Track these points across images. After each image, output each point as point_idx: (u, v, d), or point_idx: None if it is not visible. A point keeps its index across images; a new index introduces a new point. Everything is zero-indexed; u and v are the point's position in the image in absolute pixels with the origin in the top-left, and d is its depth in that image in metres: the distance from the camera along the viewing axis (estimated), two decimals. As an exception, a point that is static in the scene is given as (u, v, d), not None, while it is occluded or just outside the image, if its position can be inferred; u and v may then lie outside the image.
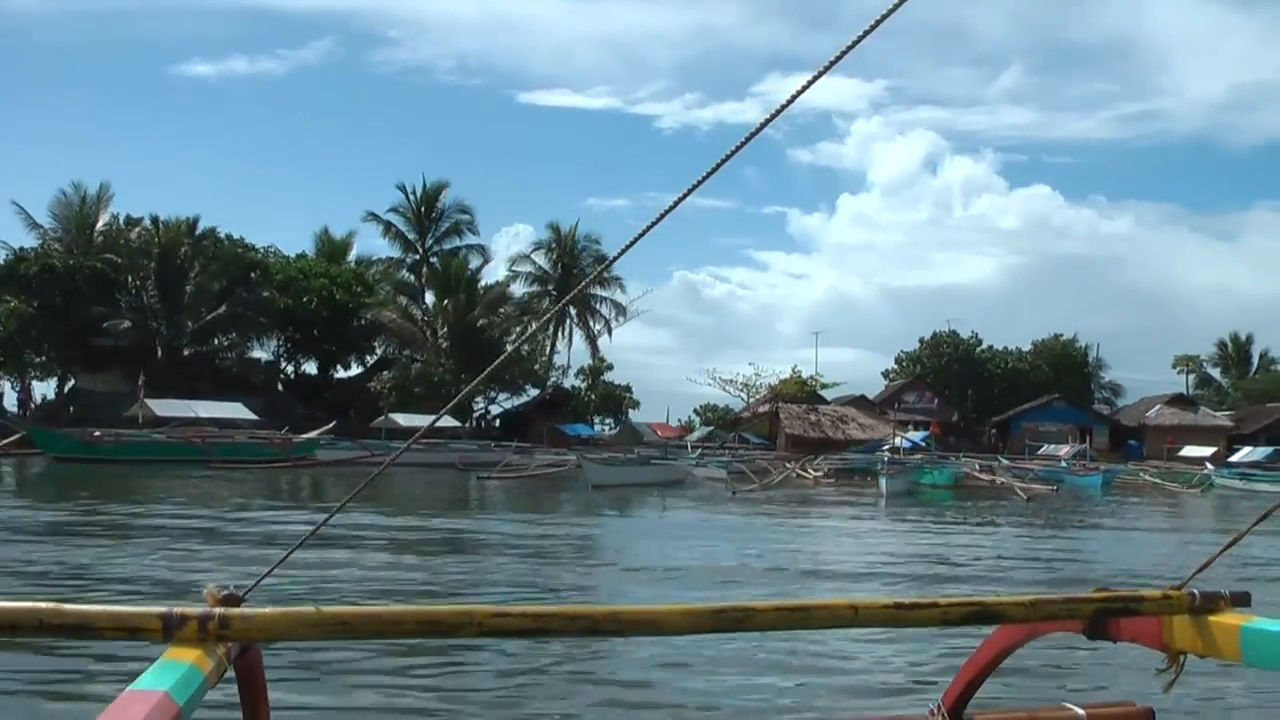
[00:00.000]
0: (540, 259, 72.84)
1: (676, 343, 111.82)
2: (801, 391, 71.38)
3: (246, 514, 23.57)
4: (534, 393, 66.17)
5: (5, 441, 40.31)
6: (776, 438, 67.06)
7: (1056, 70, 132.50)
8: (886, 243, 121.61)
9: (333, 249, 70.12)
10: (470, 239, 72.49)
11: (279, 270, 63.47)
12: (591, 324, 70.81)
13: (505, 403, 65.46)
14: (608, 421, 64.56)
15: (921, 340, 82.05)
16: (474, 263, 69.37)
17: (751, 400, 73.75)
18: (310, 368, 68.57)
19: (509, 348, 62.98)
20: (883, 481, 38.41)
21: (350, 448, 46.73)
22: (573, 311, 70.23)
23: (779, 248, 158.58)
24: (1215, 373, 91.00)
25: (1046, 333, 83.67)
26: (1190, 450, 66.41)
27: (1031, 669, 8.10)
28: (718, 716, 8.01)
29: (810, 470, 48.59)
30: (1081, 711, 2.71)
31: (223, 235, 61.68)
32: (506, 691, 8.40)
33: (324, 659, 8.34)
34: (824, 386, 74.46)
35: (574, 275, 71.04)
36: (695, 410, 74.56)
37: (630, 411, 66.59)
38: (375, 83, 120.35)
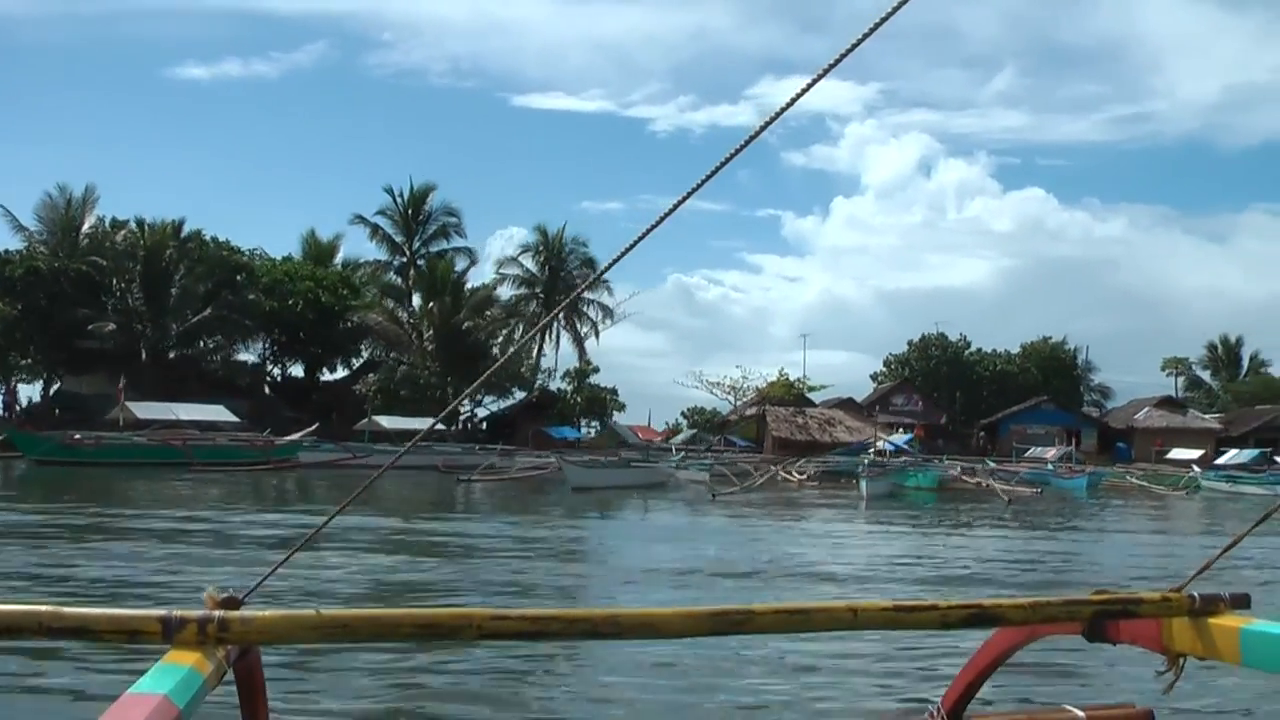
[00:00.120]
0: (528, 261, 72.86)
1: (671, 345, 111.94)
2: (789, 394, 71.35)
3: (217, 517, 23.44)
4: (521, 395, 66.08)
5: (-14, 444, 40.27)
6: (764, 440, 67.02)
7: (1049, 72, 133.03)
8: (880, 246, 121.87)
9: (319, 251, 69.99)
10: (458, 241, 72.58)
11: (265, 273, 63.37)
12: (579, 326, 70.75)
13: (491, 405, 65.41)
14: (594, 424, 64.52)
15: (910, 343, 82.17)
16: (461, 265, 69.43)
17: (739, 403, 73.75)
18: (297, 370, 68.51)
19: (495, 350, 62.97)
20: (863, 484, 38.40)
21: (333, 450, 46.68)
22: (560, 315, 70.07)
23: (773, 251, 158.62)
24: (1205, 375, 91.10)
25: (1041, 335, 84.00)
26: (1178, 453, 66.55)
27: (1030, 670, 8.10)
28: (714, 716, 7.98)
29: (795, 473, 48.53)
30: (1081, 713, 2.70)
31: (208, 237, 61.56)
32: (503, 690, 8.43)
33: (322, 661, 8.37)
34: (811, 389, 74.45)
35: (561, 278, 71.08)
36: (683, 413, 74.54)
37: (616, 414, 66.52)
38: (369, 85, 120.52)
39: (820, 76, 1.92)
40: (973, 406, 78.30)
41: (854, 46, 1.90)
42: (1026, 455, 63.87)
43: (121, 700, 1.51)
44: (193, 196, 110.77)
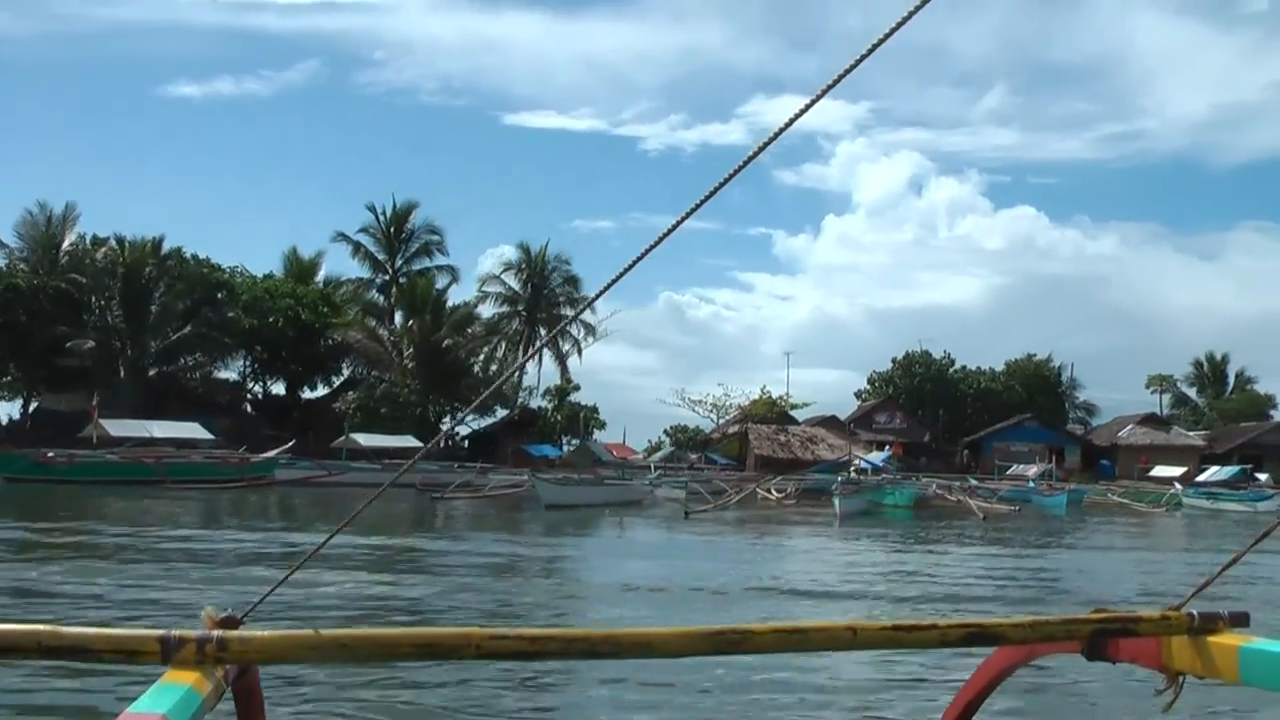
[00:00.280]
0: (510, 279, 72.78)
1: (662, 364, 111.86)
2: (771, 412, 71.29)
3: (181, 535, 23.35)
4: (503, 413, 65.95)
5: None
6: (746, 458, 66.92)
7: (1039, 91, 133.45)
8: (871, 264, 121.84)
9: (300, 269, 69.96)
10: (440, 259, 72.67)
11: (244, 290, 63.35)
12: (561, 344, 70.67)
13: (473, 423, 65.24)
14: (574, 442, 64.35)
15: (894, 360, 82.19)
16: (442, 283, 69.47)
17: (721, 421, 73.69)
18: (279, 388, 68.36)
19: (476, 368, 62.89)
20: (837, 502, 38.29)
21: (309, 467, 46.55)
22: (543, 332, 70.16)
23: (764, 269, 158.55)
24: (1192, 392, 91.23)
25: (1027, 353, 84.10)
26: (1161, 470, 66.54)
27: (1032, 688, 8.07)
28: None
29: (773, 491, 48.42)
30: None
31: (189, 255, 61.60)
32: (498, 700, 8.47)
33: (319, 674, 8.37)
34: (794, 407, 74.40)
35: (544, 296, 71.05)
36: (665, 431, 74.40)
37: (596, 432, 66.43)
38: (360, 104, 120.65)
39: (819, 97, 1.92)
40: (957, 424, 78.29)
41: (852, 67, 1.88)
42: (1008, 473, 63.92)
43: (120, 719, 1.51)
44: (180, 214, 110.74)
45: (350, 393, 61.98)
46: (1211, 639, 2.09)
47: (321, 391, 68.27)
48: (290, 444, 47.98)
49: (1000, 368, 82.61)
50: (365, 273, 71.79)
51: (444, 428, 61.32)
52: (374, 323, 66.59)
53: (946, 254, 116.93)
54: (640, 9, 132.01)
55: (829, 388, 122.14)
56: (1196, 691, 2.21)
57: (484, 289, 72.30)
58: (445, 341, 62.25)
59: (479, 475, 46.90)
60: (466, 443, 67.29)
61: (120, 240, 59.99)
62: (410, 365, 61.60)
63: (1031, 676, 8.10)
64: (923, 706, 8.20)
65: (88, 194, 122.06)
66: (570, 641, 1.87)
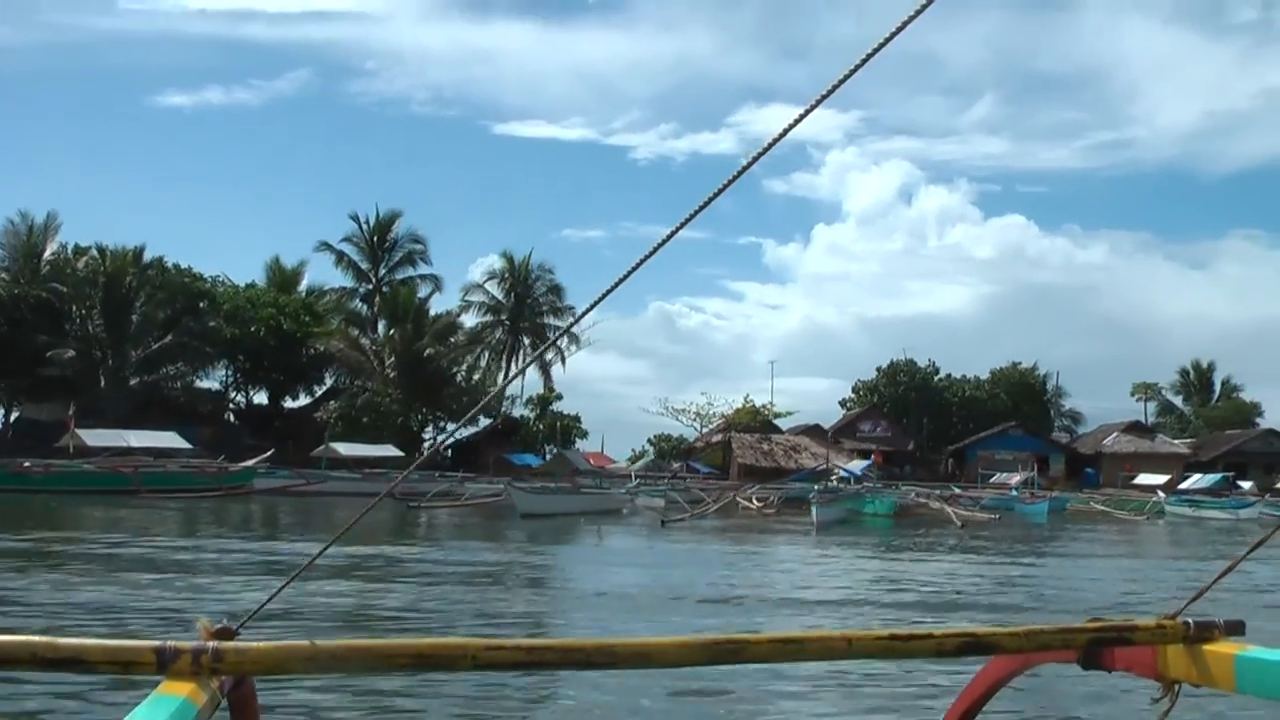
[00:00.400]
0: (494, 288, 72.74)
1: (652, 373, 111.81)
2: (754, 420, 71.31)
3: (150, 542, 23.31)
4: (486, 422, 65.88)
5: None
6: (730, 467, 66.92)
7: (1029, 100, 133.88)
8: (862, 273, 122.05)
9: (283, 278, 69.92)
10: (424, 268, 72.75)
11: (226, 299, 63.30)
12: (545, 354, 70.66)
13: (457, 433, 65.02)
14: (554, 450, 64.36)
15: (878, 369, 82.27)
16: (425, 291, 69.51)
17: (704, 430, 73.70)
18: (261, 398, 68.29)
19: (459, 378, 62.80)
20: (814, 510, 38.24)
21: (288, 476, 46.45)
22: (526, 341, 70.16)
23: (754, 278, 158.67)
24: (1178, 400, 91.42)
25: (1011, 361, 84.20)
26: (1144, 478, 66.74)
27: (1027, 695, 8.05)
28: None
29: (754, 500, 48.38)
30: None
31: (170, 264, 61.58)
32: (493, 705, 8.52)
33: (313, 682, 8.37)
34: (777, 415, 74.46)
35: (527, 305, 71.05)
36: (649, 440, 74.38)
37: (578, 441, 66.32)
38: (351, 114, 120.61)
39: (812, 108, 1.92)
40: (941, 433, 78.38)
41: (846, 77, 1.89)
42: (991, 481, 64.02)
43: None
44: (167, 224, 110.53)
45: (332, 402, 61.89)
46: (1207, 647, 2.09)
47: (304, 401, 68.32)
48: (269, 453, 47.86)
49: (986, 376, 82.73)
50: (349, 282, 71.97)
51: (426, 437, 61.29)
52: (356, 332, 66.49)
53: (936, 263, 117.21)
54: (630, 18, 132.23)
55: (820, 396, 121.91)
56: (1192, 700, 2.21)
57: (467, 298, 72.44)
58: (427, 350, 62.18)
59: (458, 484, 46.79)
60: (450, 451, 67.18)
61: (101, 249, 59.88)
62: (392, 374, 61.54)
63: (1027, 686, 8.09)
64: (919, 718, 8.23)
65: (77, 204, 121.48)
66: (567, 652, 1.89)
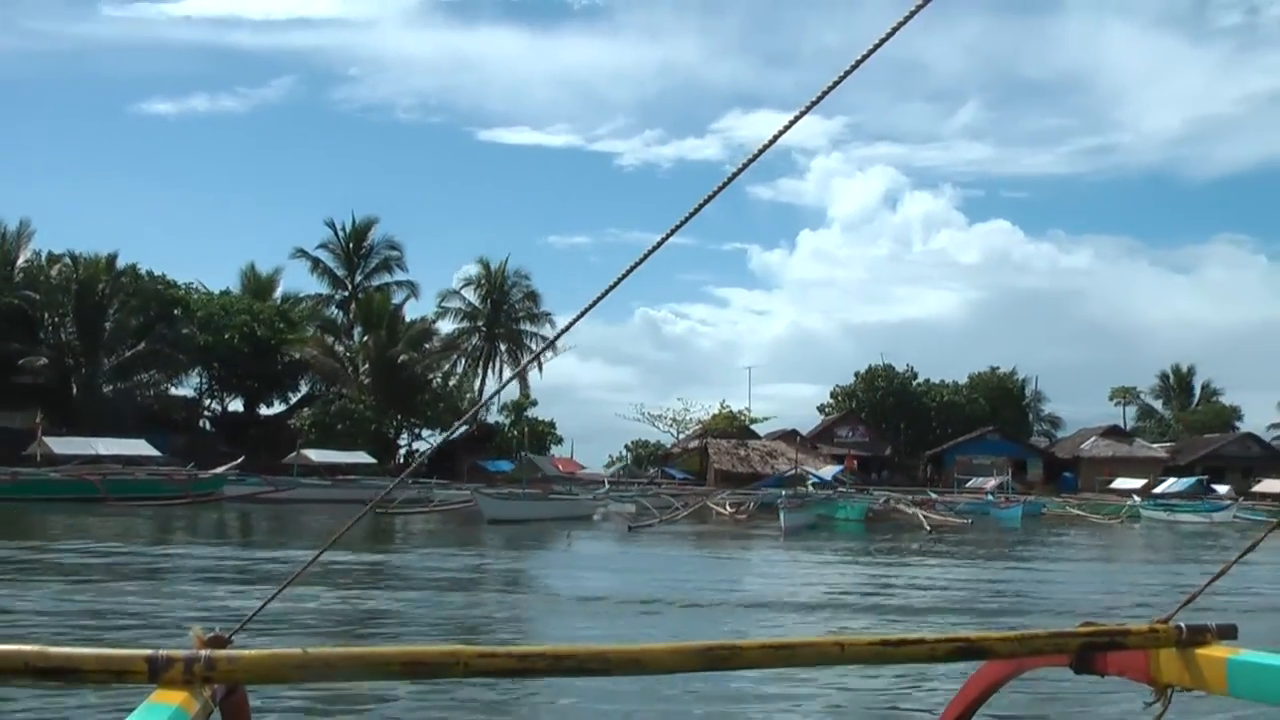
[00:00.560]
0: (470, 294, 72.57)
1: (638, 380, 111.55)
2: (731, 426, 71.27)
3: (107, 550, 23.21)
4: (462, 429, 65.64)
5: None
6: (706, 473, 66.89)
7: (1013, 105, 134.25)
8: (847, 278, 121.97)
9: (258, 285, 69.69)
10: (400, 275, 72.55)
11: (200, 306, 63.04)
12: (521, 359, 70.53)
13: (432, 438, 64.89)
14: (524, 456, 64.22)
15: (856, 374, 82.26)
16: (399, 298, 69.34)
17: (681, 436, 73.65)
18: (236, 405, 68.06)
19: (435, 384, 62.64)
20: (782, 516, 38.19)
21: (257, 483, 46.23)
22: (503, 348, 70.03)
23: (740, 284, 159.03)
24: (1158, 404, 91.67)
25: (1004, 367, 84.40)
26: (1122, 482, 66.95)
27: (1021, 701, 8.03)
28: None
29: (726, 506, 48.34)
30: None
31: (143, 271, 61.23)
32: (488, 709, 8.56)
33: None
34: (754, 421, 74.45)
35: (503, 311, 70.87)
36: (626, 446, 74.27)
37: (554, 448, 66.21)
38: (335, 120, 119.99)
39: (800, 116, 1.92)
40: (920, 437, 78.46)
41: (834, 85, 1.89)
42: (967, 486, 64.12)
43: None
44: (148, 232, 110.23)
45: (306, 409, 61.67)
46: (1200, 651, 2.10)
47: (280, 408, 67.95)
48: (239, 460, 47.62)
49: (964, 381, 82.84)
50: (325, 289, 71.70)
51: (401, 444, 61.14)
52: (331, 339, 66.24)
53: (921, 268, 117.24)
54: (615, 25, 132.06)
55: (806, 402, 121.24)
56: (1185, 704, 2.21)
57: (444, 304, 72.24)
58: (401, 357, 61.98)
59: (428, 490, 46.65)
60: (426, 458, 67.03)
61: (74, 257, 59.58)
62: (366, 381, 61.36)
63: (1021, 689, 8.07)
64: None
65: (54, 212, 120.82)
66: (559, 659, 1.88)
